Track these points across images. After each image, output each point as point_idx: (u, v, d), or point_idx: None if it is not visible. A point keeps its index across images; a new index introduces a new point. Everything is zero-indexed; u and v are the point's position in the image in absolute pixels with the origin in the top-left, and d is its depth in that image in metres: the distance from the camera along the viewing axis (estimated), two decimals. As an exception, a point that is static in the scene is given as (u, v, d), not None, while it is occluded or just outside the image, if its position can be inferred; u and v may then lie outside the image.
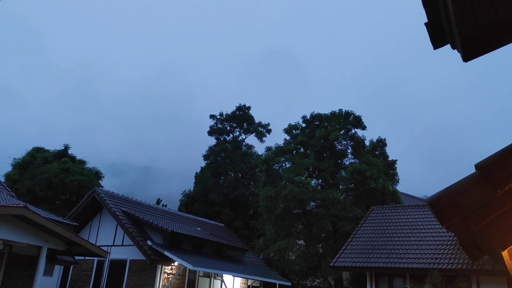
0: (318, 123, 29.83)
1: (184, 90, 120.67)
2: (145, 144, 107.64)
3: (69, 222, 19.54)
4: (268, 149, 30.32)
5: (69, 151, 38.73)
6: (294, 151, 29.39)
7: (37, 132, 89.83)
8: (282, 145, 29.83)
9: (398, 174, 28.13)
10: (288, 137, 30.39)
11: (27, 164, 36.51)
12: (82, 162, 38.48)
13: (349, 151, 29.10)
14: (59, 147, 38.78)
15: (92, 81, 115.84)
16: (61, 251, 16.30)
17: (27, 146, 45.16)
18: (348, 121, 29.33)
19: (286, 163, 28.98)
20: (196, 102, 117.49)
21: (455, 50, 3.35)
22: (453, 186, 2.47)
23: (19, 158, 37.34)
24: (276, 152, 28.89)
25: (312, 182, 26.38)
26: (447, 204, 2.44)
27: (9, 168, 36.91)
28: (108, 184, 54.13)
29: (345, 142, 29.02)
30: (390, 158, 28.54)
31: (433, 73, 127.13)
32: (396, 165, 28.11)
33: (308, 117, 30.24)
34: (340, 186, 27.55)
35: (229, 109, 59.22)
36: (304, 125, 30.45)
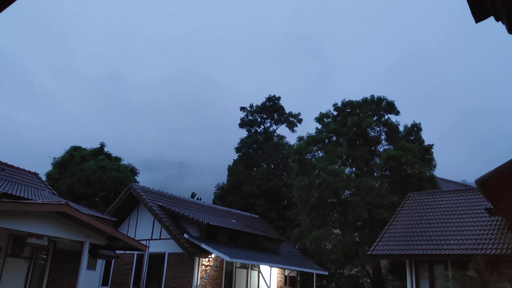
0: (349, 110, 29.34)
1: (211, 84, 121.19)
2: (177, 140, 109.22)
3: (109, 218, 20.05)
4: (300, 138, 30.09)
5: (105, 149, 39.80)
6: (327, 140, 29.05)
7: (72, 132, 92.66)
8: (314, 134, 29.56)
9: (435, 159, 27.39)
10: (319, 126, 30.07)
11: (66, 162, 37.72)
12: (118, 159, 39.43)
13: (382, 137, 28.53)
14: (95, 145, 39.94)
15: (120, 80, 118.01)
16: (102, 245, 16.78)
17: (64, 146, 46.59)
18: (380, 107, 28.71)
19: (319, 152, 28.71)
20: (224, 94, 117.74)
21: (499, 22, 3.17)
22: (504, 165, 2.33)
23: (58, 157, 38.61)
24: (308, 142, 28.65)
25: (346, 170, 26.03)
26: (498, 184, 2.30)
27: (50, 167, 38.26)
28: (142, 179, 55.40)
29: (378, 128, 28.45)
30: (426, 143, 27.79)
31: (470, 55, 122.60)
32: (432, 150, 27.36)
33: (339, 105, 29.80)
34: (375, 174, 27.08)
35: (257, 99, 59.15)
36: (335, 113, 30.04)
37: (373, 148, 28.44)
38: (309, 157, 28.69)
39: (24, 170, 21.06)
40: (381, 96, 29.07)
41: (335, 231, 27.37)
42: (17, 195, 14.97)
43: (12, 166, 20.19)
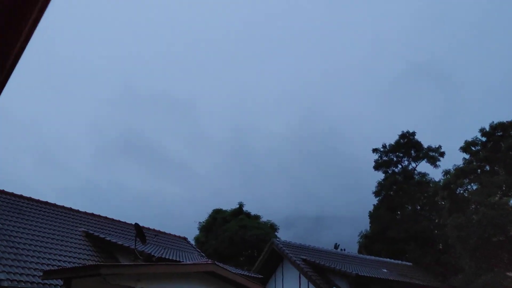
0: (501, 133, 25.86)
1: (333, 130, 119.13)
2: (311, 193, 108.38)
3: (255, 275, 19.86)
4: (446, 172, 27.21)
5: (244, 208, 40.92)
6: (479, 170, 25.76)
7: (210, 196, 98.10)
8: (461, 165, 26.51)
9: None
10: (467, 156, 26.96)
11: (210, 225, 39.56)
12: (257, 217, 40.09)
13: (551, 157, 24.33)
14: (234, 205, 41.30)
15: (246, 140, 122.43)
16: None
17: (207, 209, 49.08)
18: (540, 122, 24.79)
19: (472, 184, 25.52)
20: (349, 139, 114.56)
21: None
22: None
23: (203, 222, 40.77)
24: (457, 174, 25.71)
25: (511, 201, 22.48)
26: None
27: (197, 232, 40.52)
28: (282, 236, 55.30)
29: (543, 147, 24.39)
30: None
31: None
32: None
33: (487, 129, 26.50)
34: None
35: (385, 138, 55.99)
36: (483, 139, 26.74)
37: (540, 171, 24.32)
38: (461, 191, 25.64)
39: (174, 235, 22.33)
40: (538, 111, 25.16)
41: (510, 274, 23.30)
42: (170, 258, 15.62)
43: (164, 233, 21.53)
